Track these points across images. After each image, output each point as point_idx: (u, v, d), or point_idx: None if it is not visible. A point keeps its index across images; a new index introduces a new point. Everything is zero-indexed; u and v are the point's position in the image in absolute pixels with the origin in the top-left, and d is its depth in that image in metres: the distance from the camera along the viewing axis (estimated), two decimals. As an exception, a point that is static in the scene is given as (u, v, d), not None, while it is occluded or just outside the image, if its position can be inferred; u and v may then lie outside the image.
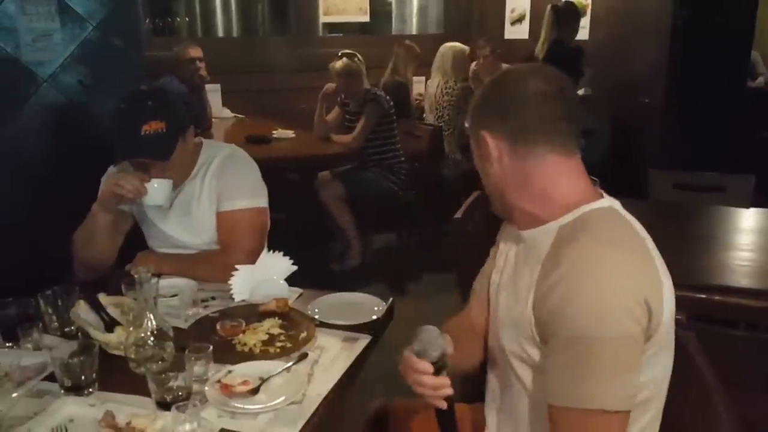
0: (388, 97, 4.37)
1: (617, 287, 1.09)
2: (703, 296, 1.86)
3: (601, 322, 1.07)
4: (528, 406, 1.31)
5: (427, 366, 1.23)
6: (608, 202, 1.25)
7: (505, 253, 1.41)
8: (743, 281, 2.05)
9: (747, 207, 2.80)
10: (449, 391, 1.25)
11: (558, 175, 1.24)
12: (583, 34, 5.44)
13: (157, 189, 1.88)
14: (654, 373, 1.19)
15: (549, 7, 4.86)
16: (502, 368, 1.38)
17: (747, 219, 2.71)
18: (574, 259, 1.13)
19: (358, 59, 4.35)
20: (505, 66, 5.38)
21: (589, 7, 5.54)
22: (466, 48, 5.04)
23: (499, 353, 1.37)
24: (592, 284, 1.09)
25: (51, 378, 1.39)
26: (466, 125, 1.33)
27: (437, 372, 1.24)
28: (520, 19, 6.24)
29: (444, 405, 1.25)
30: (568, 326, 1.10)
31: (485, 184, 1.33)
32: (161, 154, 1.87)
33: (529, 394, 1.29)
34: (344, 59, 4.31)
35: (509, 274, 1.36)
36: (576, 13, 4.91)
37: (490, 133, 1.25)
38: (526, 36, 6.17)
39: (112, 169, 2.09)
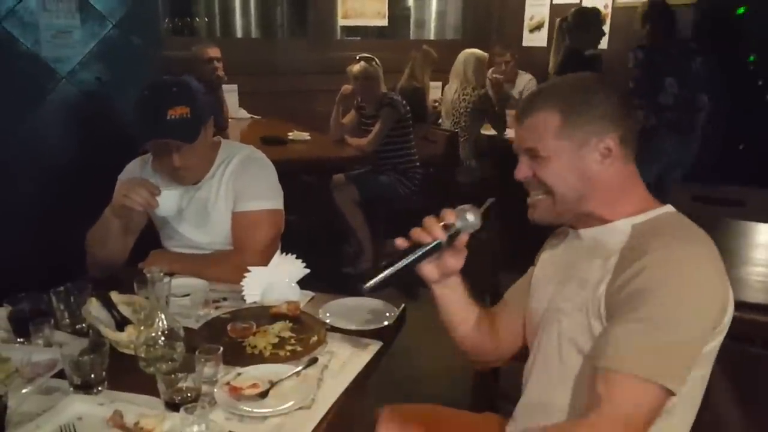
0: (404, 102, 4.36)
1: (703, 289, 1.18)
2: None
3: (682, 319, 1.15)
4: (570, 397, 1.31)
5: (451, 217, 1.34)
6: (672, 208, 1.33)
7: (550, 261, 1.44)
8: (760, 297, 2.02)
9: (766, 222, 2.76)
10: (437, 232, 1.34)
11: (636, 179, 1.33)
12: (602, 43, 5.39)
13: (166, 200, 1.89)
14: (701, 372, 1.24)
15: (558, 19, 4.77)
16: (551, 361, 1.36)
17: (765, 234, 2.67)
18: (661, 249, 1.18)
19: (376, 63, 4.35)
20: (522, 73, 5.37)
21: (609, 16, 5.50)
22: (486, 55, 5.02)
23: (552, 346, 1.35)
24: (680, 279, 1.16)
25: (61, 375, 1.39)
26: (558, 121, 1.28)
27: (451, 237, 1.34)
28: (538, 27, 6.22)
29: (425, 238, 1.34)
30: (650, 310, 1.15)
31: (566, 187, 1.29)
32: (187, 137, 1.88)
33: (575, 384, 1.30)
34: (362, 63, 4.31)
35: (563, 270, 1.37)
36: (589, 18, 4.64)
37: (612, 136, 1.27)
38: (544, 44, 6.14)
39: (129, 167, 2.10)
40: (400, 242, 1.36)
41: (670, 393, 1.15)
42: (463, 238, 1.37)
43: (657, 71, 4.05)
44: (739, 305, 1.87)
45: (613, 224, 1.30)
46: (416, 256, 1.33)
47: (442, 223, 1.35)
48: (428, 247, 1.33)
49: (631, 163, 1.31)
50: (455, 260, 1.41)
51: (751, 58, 4.81)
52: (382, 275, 1.32)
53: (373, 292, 1.34)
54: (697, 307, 1.16)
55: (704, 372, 1.25)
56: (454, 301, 1.48)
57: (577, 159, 1.27)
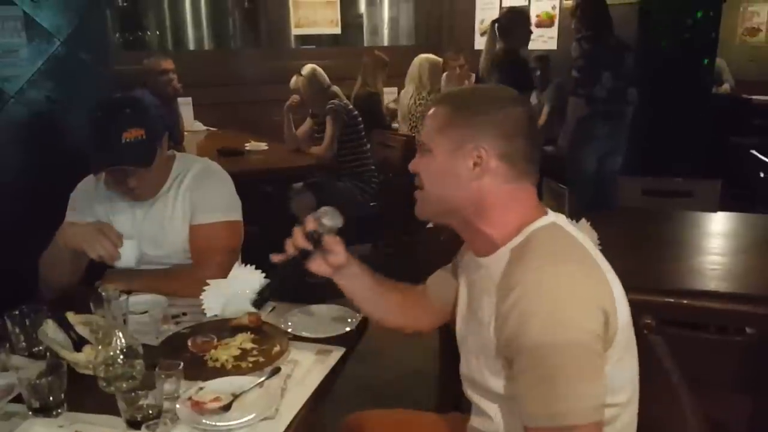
0: (350, 107, 4.39)
1: (571, 297, 1.11)
2: (672, 300, 1.88)
3: (558, 333, 1.08)
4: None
5: (312, 224, 1.43)
6: (552, 218, 1.26)
7: (465, 285, 1.41)
8: (712, 285, 2.07)
9: (714, 211, 2.85)
10: (300, 242, 1.43)
11: (515, 203, 1.26)
12: (551, 44, 5.51)
13: (127, 250, 1.84)
14: (624, 378, 1.21)
15: (492, 20, 4.75)
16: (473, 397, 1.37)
17: (715, 223, 2.76)
18: (524, 279, 1.14)
19: (314, 71, 4.41)
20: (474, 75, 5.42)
21: (557, 17, 5.61)
22: (440, 60, 5.07)
23: (469, 383, 1.36)
24: (546, 298, 1.11)
25: (19, 399, 1.36)
26: (441, 126, 1.29)
27: (317, 242, 1.43)
28: (489, 30, 6.30)
29: (293, 251, 1.43)
30: (529, 343, 1.10)
31: (431, 184, 1.30)
32: (145, 161, 1.86)
33: (495, 422, 1.29)
34: (297, 75, 4.42)
35: (468, 303, 1.38)
36: (521, 17, 4.54)
37: (488, 147, 1.23)
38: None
39: (81, 185, 2.07)
40: (275, 258, 1.44)
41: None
42: (329, 238, 1.45)
43: (597, 64, 4.17)
44: (693, 293, 1.94)
45: (499, 251, 1.25)
46: (292, 268, 1.44)
47: (305, 232, 1.43)
48: (299, 258, 1.44)
49: (514, 183, 1.25)
50: (334, 256, 1.47)
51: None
52: (268, 298, 1.51)
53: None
54: (569, 325, 1.09)
55: (628, 373, 1.23)
56: (358, 290, 1.55)
57: (450, 160, 1.25)
